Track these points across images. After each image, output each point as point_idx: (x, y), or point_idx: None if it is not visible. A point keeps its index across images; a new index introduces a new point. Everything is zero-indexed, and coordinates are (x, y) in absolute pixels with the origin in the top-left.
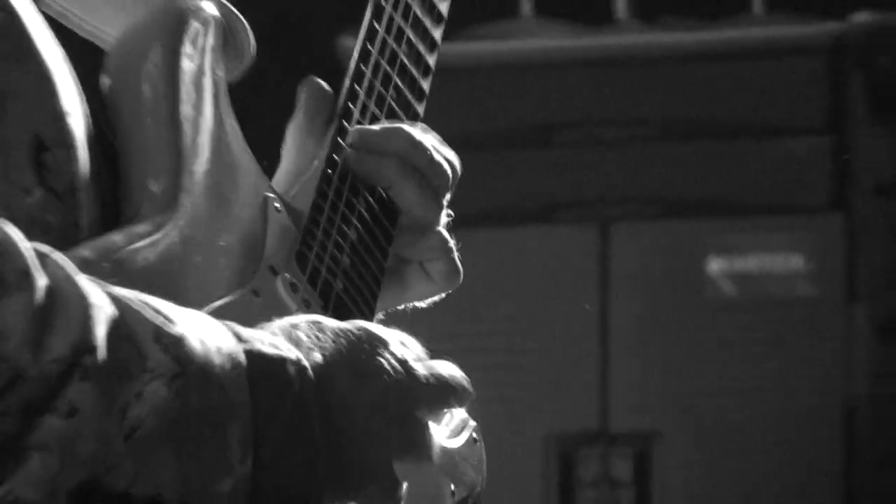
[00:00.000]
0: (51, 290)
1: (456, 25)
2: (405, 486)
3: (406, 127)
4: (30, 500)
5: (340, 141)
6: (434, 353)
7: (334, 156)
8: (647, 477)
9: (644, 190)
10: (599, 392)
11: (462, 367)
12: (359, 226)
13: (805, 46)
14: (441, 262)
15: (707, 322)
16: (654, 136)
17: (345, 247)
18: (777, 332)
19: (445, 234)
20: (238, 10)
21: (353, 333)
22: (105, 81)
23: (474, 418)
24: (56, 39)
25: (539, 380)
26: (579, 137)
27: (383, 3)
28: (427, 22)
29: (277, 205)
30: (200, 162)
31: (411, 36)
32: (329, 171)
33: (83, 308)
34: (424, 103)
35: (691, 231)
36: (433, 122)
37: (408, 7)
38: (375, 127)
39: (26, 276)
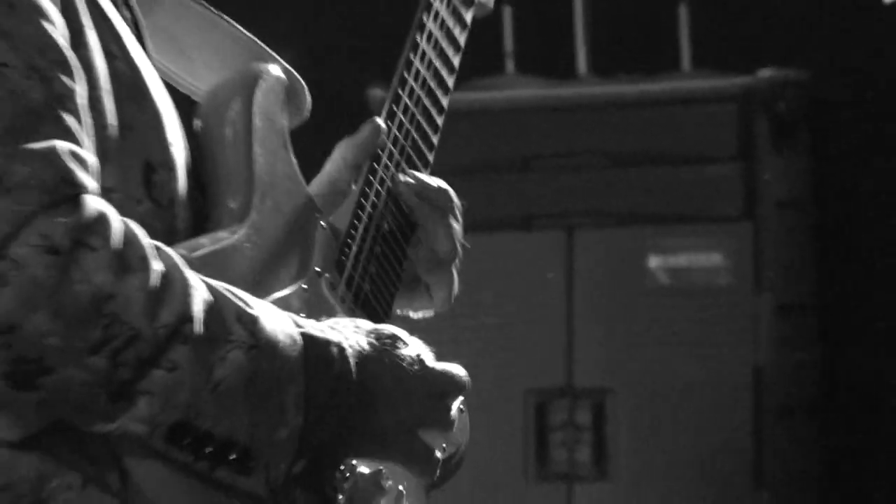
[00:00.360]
0: (163, 274)
1: (456, 79)
2: (439, 453)
3: (449, 190)
4: (135, 432)
5: (371, 178)
6: (440, 354)
7: (366, 188)
8: (603, 423)
9: (600, 205)
10: (566, 357)
11: (461, 339)
12: (383, 243)
13: (722, 95)
14: (443, 291)
15: (648, 304)
16: (608, 163)
17: (372, 259)
18: (701, 312)
19: (455, 273)
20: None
21: (383, 333)
22: (197, 124)
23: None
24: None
25: (519, 348)
26: (550, 165)
27: (406, 75)
28: (438, 93)
29: (323, 223)
30: (266, 187)
31: (427, 103)
32: (362, 200)
33: (186, 289)
34: (434, 152)
35: (636, 236)
36: (441, 152)
37: (425, 81)
38: (433, 183)
39: (145, 261)
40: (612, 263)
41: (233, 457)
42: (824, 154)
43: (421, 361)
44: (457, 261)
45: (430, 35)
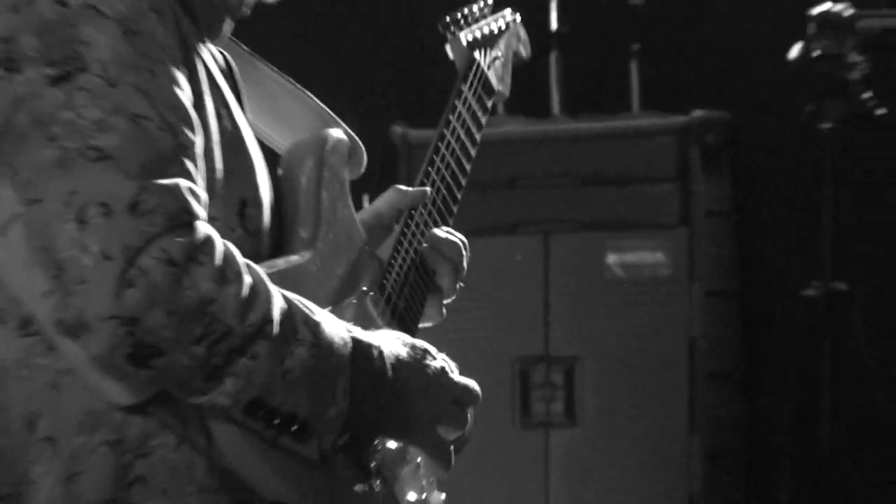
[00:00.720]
0: (252, 286)
1: None
2: (452, 448)
3: (460, 241)
4: (221, 405)
5: (409, 221)
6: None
7: (405, 228)
8: (573, 383)
9: (570, 215)
10: (544, 332)
11: (462, 320)
12: (415, 272)
13: (664, 130)
14: (433, 310)
15: (607, 292)
16: (576, 183)
17: (406, 283)
18: (647, 298)
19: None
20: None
21: (417, 346)
22: (279, 172)
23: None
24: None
25: (507, 326)
26: (531, 184)
27: (440, 144)
28: (463, 160)
29: (370, 253)
30: (330, 223)
31: (454, 168)
32: (401, 237)
33: (268, 298)
34: (457, 205)
35: (598, 239)
36: None
37: (454, 152)
38: (447, 237)
39: (239, 275)
40: (579, 260)
41: (294, 428)
42: (742, 175)
43: (444, 372)
44: (454, 294)
45: (459, 115)
